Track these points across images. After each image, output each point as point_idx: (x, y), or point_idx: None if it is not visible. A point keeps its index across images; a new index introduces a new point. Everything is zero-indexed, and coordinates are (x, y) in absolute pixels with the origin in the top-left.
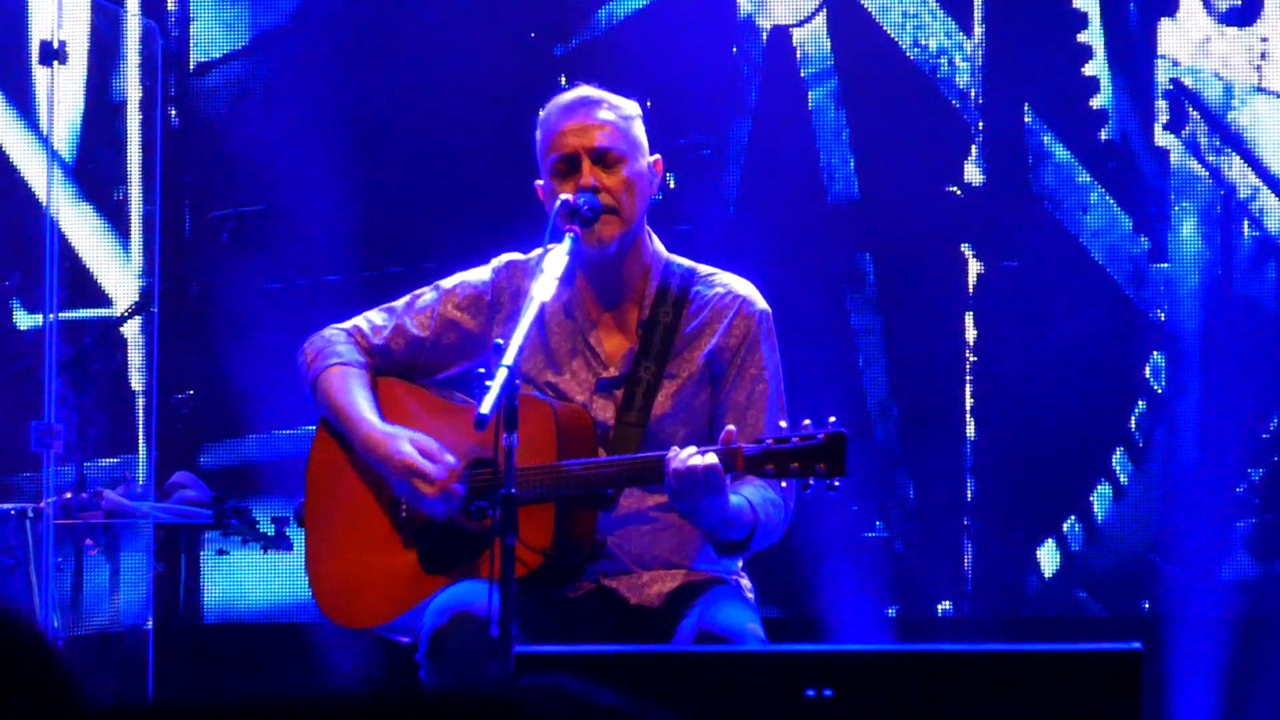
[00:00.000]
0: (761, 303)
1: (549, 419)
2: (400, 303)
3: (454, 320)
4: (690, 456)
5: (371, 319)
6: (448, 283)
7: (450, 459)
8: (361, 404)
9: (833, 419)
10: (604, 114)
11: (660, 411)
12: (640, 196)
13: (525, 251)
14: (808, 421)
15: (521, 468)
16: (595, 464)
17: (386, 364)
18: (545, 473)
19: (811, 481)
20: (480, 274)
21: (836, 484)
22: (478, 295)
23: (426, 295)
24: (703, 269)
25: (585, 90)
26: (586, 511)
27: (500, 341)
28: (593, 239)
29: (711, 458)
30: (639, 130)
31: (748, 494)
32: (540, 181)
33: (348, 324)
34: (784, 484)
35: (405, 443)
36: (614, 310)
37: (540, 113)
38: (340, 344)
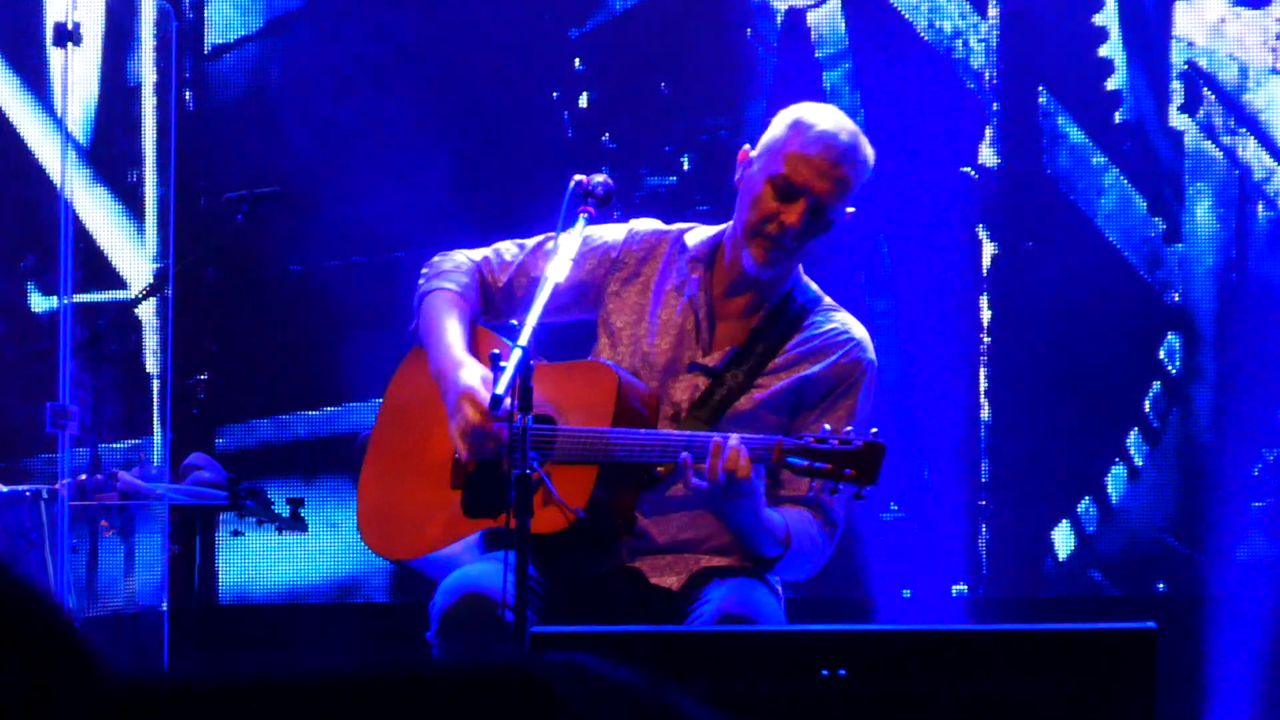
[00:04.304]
0: (872, 353)
1: (611, 388)
2: (531, 241)
3: (577, 268)
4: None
5: (501, 253)
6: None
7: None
8: (451, 329)
9: (874, 430)
10: (851, 173)
11: (732, 414)
12: (814, 249)
13: (667, 223)
14: (849, 428)
15: (570, 428)
16: (641, 437)
17: (506, 302)
18: (593, 437)
19: (840, 487)
20: (615, 231)
21: (864, 494)
22: (606, 249)
23: None
24: (827, 301)
25: (850, 133)
26: (630, 486)
27: (515, 322)
28: (758, 260)
29: (741, 448)
30: (862, 183)
31: (789, 517)
32: (751, 151)
33: (478, 254)
34: (828, 526)
35: (473, 374)
36: (739, 299)
37: (804, 110)
38: (464, 273)
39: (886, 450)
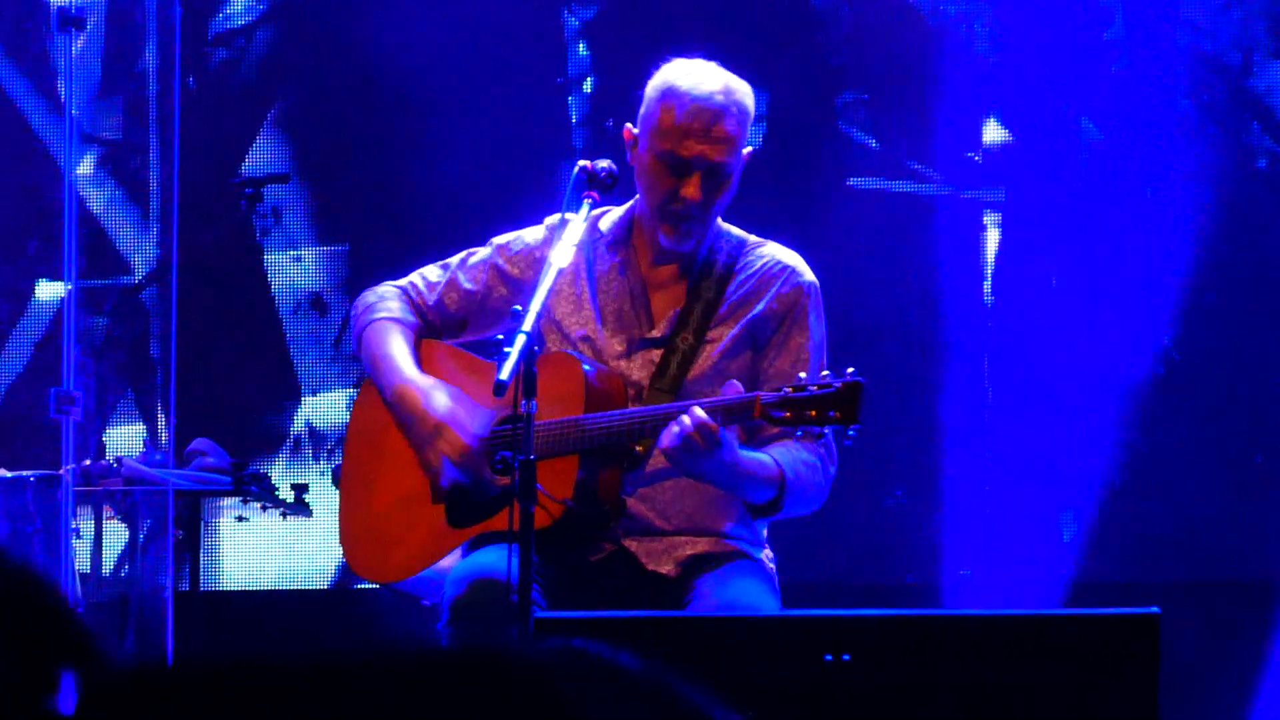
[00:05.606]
0: (810, 275)
1: (578, 376)
2: (455, 259)
3: (505, 274)
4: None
5: (426, 275)
6: (502, 239)
7: (477, 428)
8: (400, 355)
9: (850, 369)
10: (731, 126)
11: (694, 375)
12: (726, 203)
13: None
14: (826, 372)
15: (545, 421)
16: (614, 417)
17: (441, 320)
18: (567, 426)
19: (827, 430)
20: (535, 231)
21: (852, 433)
22: (530, 250)
23: (481, 252)
24: (752, 240)
25: (723, 88)
26: (612, 468)
27: (519, 308)
28: (673, 237)
29: (700, 414)
30: (748, 128)
31: (776, 453)
32: (634, 130)
33: (403, 281)
34: (822, 448)
35: (440, 397)
36: (666, 267)
37: (671, 75)
38: (392, 300)
39: (865, 387)
